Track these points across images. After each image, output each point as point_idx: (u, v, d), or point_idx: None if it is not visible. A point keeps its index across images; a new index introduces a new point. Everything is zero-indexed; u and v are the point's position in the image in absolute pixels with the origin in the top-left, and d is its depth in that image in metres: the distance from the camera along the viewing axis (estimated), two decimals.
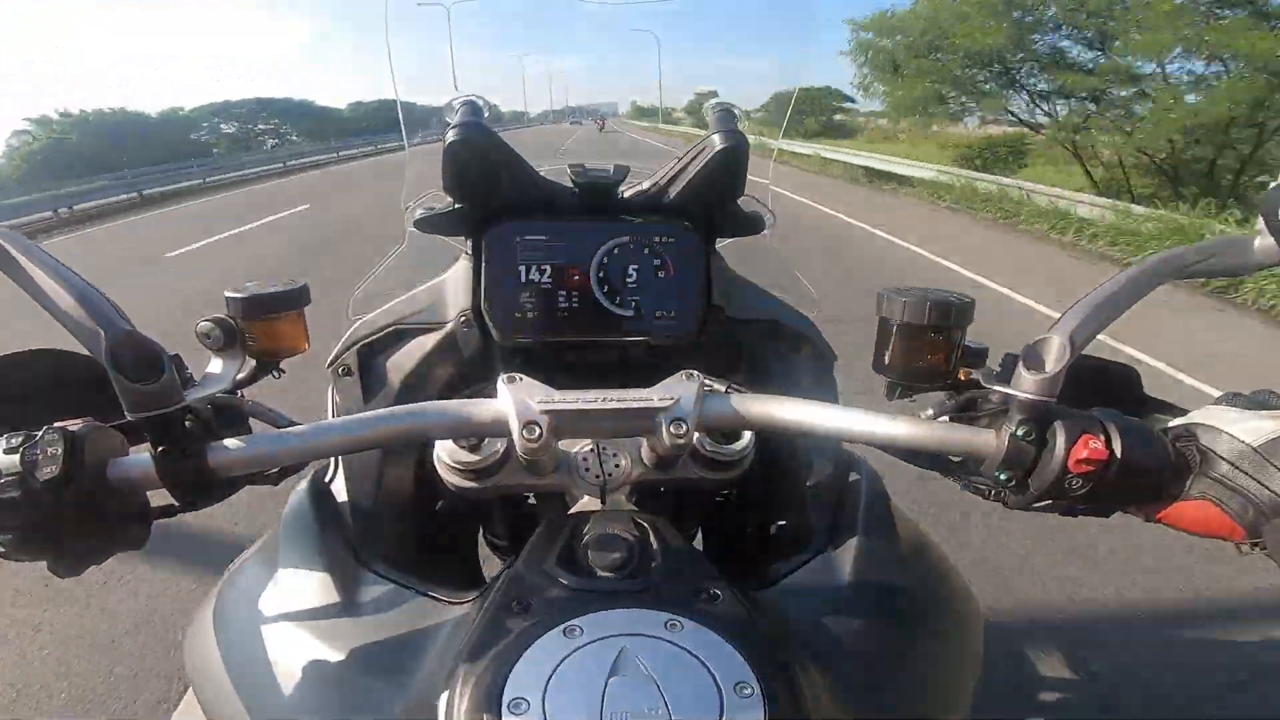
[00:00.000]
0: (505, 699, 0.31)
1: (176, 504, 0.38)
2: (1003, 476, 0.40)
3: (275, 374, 0.49)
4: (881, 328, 0.46)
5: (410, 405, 0.43)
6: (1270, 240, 0.39)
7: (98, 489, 0.35)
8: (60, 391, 0.43)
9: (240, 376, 0.45)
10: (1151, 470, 0.38)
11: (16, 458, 0.33)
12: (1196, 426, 0.40)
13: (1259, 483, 0.36)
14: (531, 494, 0.62)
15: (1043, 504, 0.41)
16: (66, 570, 0.36)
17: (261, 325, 0.47)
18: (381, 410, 0.42)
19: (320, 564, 0.48)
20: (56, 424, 0.35)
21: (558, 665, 0.33)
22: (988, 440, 0.40)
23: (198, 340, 0.45)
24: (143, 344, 0.36)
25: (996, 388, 0.41)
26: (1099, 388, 0.48)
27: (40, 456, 0.33)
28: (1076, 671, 1.58)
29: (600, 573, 0.39)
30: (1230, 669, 1.61)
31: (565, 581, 0.39)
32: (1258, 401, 0.40)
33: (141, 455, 0.37)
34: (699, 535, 0.73)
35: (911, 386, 0.46)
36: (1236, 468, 0.37)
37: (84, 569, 0.36)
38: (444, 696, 0.34)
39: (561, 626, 0.34)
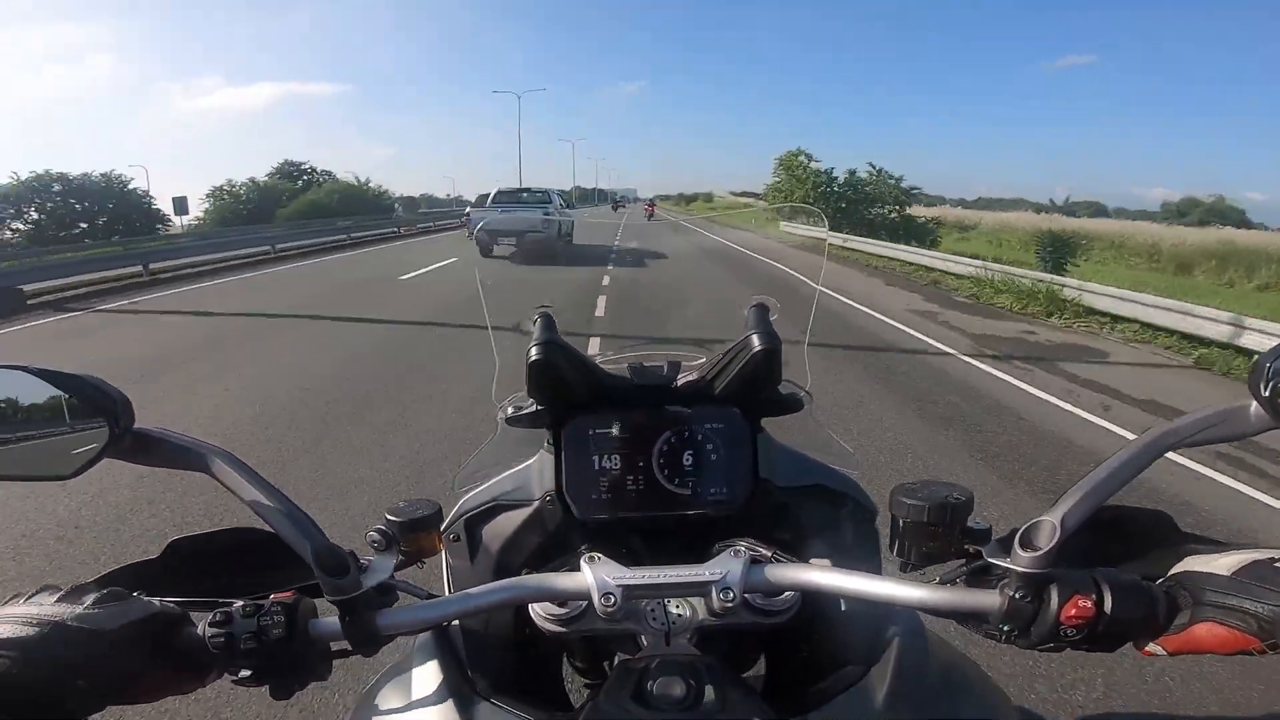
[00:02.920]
0: None
1: (351, 650, 0.52)
2: (1006, 628, 0.48)
3: (419, 565, 0.62)
4: (892, 521, 0.55)
5: (514, 580, 0.55)
6: (1261, 409, 0.45)
7: (304, 643, 0.49)
8: (259, 558, 0.58)
9: (393, 565, 0.57)
10: (1140, 617, 0.46)
11: (254, 621, 0.47)
12: (1181, 574, 0.48)
13: (1247, 598, 0.44)
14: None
15: (1047, 647, 0.48)
16: (280, 695, 0.49)
17: (409, 536, 0.61)
18: (494, 584, 0.55)
19: (443, 689, 0.59)
20: (275, 598, 0.49)
21: None
22: (991, 601, 0.48)
23: (368, 543, 0.59)
24: (335, 550, 0.50)
25: (997, 562, 0.49)
26: (1132, 533, 0.56)
27: (269, 623, 0.47)
28: None
29: (664, 707, 0.48)
30: None
31: (635, 714, 0.47)
32: (1222, 547, 0.50)
33: (332, 620, 0.50)
34: (761, 661, 0.79)
35: (921, 564, 0.55)
36: (1222, 593, 0.45)
37: (292, 695, 0.50)
38: None
39: None
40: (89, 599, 0.46)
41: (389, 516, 0.60)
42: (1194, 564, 0.48)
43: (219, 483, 0.52)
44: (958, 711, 0.58)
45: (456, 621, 0.69)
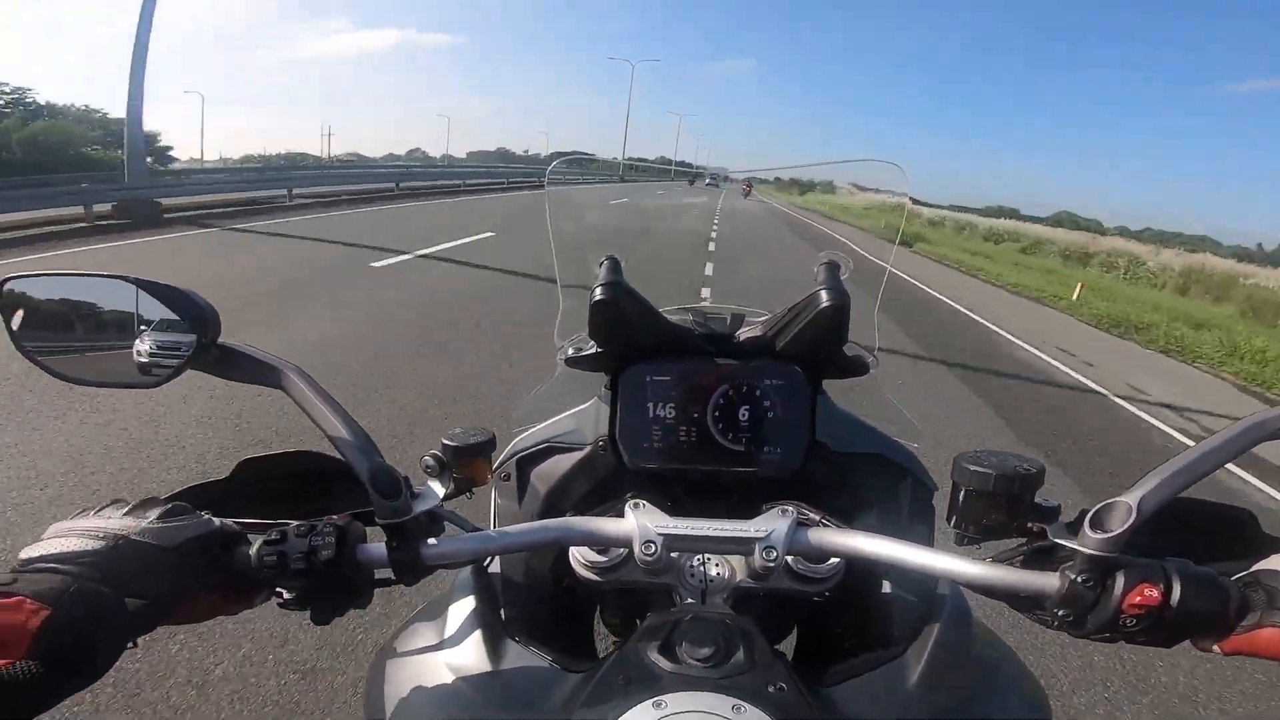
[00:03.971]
0: None
1: (394, 579, 0.52)
2: (1061, 613, 0.46)
3: (468, 495, 0.63)
4: (954, 489, 0.52)
5: (559, 520, 0.56)
6: None
7: (351, 567, 0.49)
8: (313, 483, 0.60)
9: (445, 494, 0.58)
10: (1208, 612, 0.43)
11: (305, 541, 0.48)
12: (1262, 572, 0.45)
13: None
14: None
15: (1102, 636, 0.45)
16: (321, 620, 0.50)
17: (463, 463, 0.61)
18: (539, 523, 0.55)
19: (477, 628, 0.60)
20: (328, 519, 0.50)
21: None
22: (1050, 583, 0.46)
23: (422, 468, 0.60)
24: (390, 472, 0.51)
25: (1063, 542, 0.46)
26: (1210, 531, 0.53)
27: (320, 543, 0.48)
28: None
29: (690, 661, 0.47)
30: None
31: (661, 665, 0.47)
32: None
33: (379, 545, 0.51)
34: (794, 633, 0.79)
35: (979, 538, 0.52)
36: None
37: (332, 620, 0.50)
38: None
39: (652, 699, 0.43)
40: (154, 514, 0.46)
41: (444, 442, 0.61)
42: (1278, 563, 0.44)
43: (291, 398, 0.53)
44: (993, 705, 0.56)
45: (497, 565, 0.70)
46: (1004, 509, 0.50)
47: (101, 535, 0.43)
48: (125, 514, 0.46)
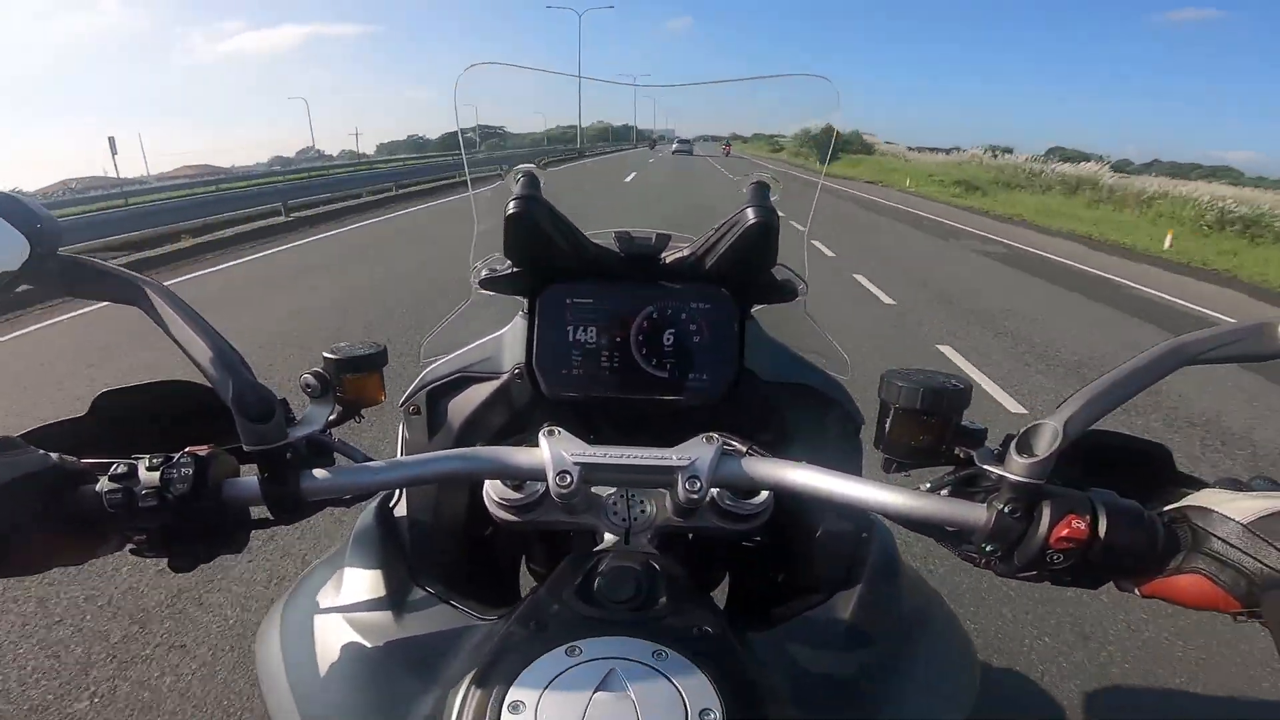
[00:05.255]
0: (507, 701, 0.38)
1: (272, 519, 0.47)
2: (988, 548, 0.44)
3: (357, 419, 0.57)
4: (881, 409, 0.50)
5: (464, 450, 0.51)
6: None
7: (214, 505, 0.43)
8: (187, 416, 0.53)
9: (330, 419, 0.52)
10: (1136, 548, 0.41)
11: (157, 475, 0.42)
12: (1190, 508, 0.43)
13: (1251, 556, 0.39)
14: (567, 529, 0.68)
15: (1029, 574, 0.44)
16: (182, 567, 0.44)
17: (349, 380, 0.55)
18: (440, 452, 0.50)
19: (379, 577, 0.56)
20: (188, 449, 0.44)
21: (555, 677, 0.39)
22: (978, 515, 0.44)
23: (301, 388, 0.54)
24: (260, 391, 0.44)
25: (988, 468, 0.45)
26: (1127, 464, 0.51)
27: (175, 476, 0.42)
28: None
29: (609, 604, 0.45)
30: None
31: (577, 608, 0.45)
32: (1250, 485, 0.44)
33: (249, 479, 0.45)
34: (726, 579, 0.78)
35: (907, 463, 0.51)
36: (1227, 543, 0.40)
37: (195, 567, 0.45)
38: (459, 696, 0.40)
39: (565, 646, 0.40)
40: None
41: (326, 356, 0.55)
42: (1209, 500, 0.43)
43: (149, 317, 0.46)
44: (920, 651, 0.56)
45: (403, 509, 0.66)
46: (932, 429, 0.48)
47: None
48: None
